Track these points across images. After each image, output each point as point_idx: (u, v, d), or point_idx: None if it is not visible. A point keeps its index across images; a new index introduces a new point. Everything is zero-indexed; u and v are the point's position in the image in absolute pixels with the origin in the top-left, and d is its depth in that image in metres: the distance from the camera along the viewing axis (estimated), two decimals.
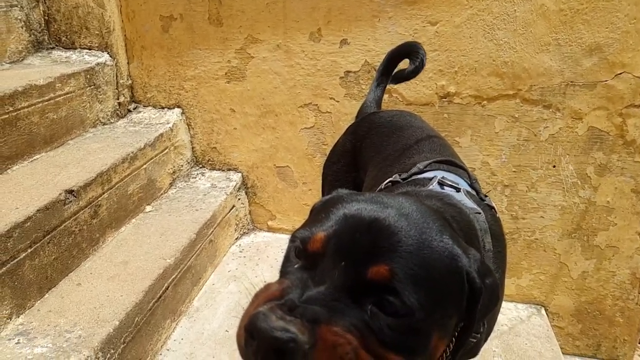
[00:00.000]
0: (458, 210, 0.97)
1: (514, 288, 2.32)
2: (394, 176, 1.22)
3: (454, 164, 1.26)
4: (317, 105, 2.32)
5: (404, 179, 1.19)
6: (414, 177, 1.19)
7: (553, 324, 2.29)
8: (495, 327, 2.22)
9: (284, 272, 0.77)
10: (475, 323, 0.77)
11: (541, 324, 2.22)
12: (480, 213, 1.02)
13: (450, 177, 1.16)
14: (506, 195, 2.22)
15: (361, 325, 0.65)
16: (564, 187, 2.15)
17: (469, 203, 1.04)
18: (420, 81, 2.16)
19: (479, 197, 1.14)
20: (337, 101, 2.28)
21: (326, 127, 2.35)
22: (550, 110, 2.07)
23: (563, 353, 2.13)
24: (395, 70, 1.79)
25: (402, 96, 2.20)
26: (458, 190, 1.09)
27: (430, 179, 1.14)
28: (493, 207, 1.15)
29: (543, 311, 2.31)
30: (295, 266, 0.74)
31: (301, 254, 0.74)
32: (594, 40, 1.95)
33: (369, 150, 1.53)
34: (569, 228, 2.19)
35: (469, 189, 1.15)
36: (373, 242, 0.70)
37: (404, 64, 1.77)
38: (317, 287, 0.67)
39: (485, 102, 2.13)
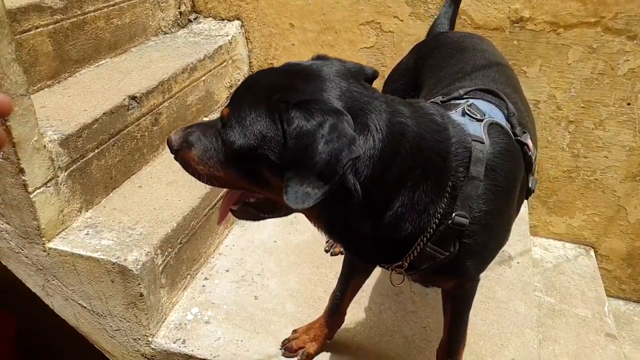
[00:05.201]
0: (425, 123, 0.95)
1: (564, 227, 2.28)
2: (436, 98, 1.18)
3: (496, 95, 1.19)
4: (379, 23, 2.23)
5: (442, 102, 1.15)
6: (451, 102, 1.15)
7: (600, 266, 2.26)
8: (539, 264, 2.22)
9: None
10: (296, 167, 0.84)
11: (588, 265, 2.19)
12: (482, 142, 0.98)
13: (483, 106, 1.11)
14: (570, 132, 2.11)
15: (211, 148, 0.97)
16: (635, 127, 2.02)
17: (474, 130, 1.01)
18: (492, 3, 2.02)
19: (513, 132, 1.09)
20: (401, 20, 2.17)
21: (387, 48, 2.26)
22: (635, 42, 1.90)
23: (607, 295, 2.12)
24: None
25: (470, 19, 2.07)
26: (480, 120, 1.04)
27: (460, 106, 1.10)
28: (526, 145, 1.10)
29: (592, 252, 2.27)
30: None
31: None
32: None
33: (428, 71, 1.48)
34: (635, 170, 2.08)
35: (503, 123, 1.10)
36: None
37: None
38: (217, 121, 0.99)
39: (561, 29, 1.97)
